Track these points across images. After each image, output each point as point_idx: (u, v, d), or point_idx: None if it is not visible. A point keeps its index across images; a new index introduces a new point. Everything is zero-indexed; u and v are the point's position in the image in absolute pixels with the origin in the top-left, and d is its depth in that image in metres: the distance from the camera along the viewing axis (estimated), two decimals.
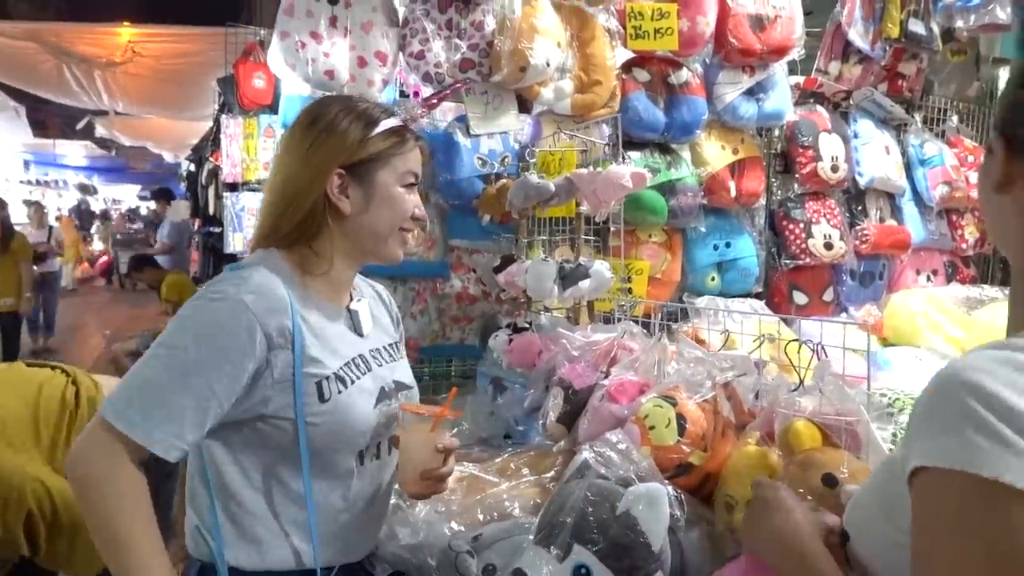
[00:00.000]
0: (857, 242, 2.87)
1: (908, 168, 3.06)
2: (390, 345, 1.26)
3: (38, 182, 16.35)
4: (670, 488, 1.23)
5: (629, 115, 2.48)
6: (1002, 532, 0.55)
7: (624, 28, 2.48)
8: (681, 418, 1.34)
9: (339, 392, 1.10)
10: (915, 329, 2.43)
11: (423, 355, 2.43)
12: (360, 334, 1.19)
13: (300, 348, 1.06)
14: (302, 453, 1.07)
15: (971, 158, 3.15)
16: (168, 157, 12.86)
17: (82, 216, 16.95)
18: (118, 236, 15.31)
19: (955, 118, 3.30)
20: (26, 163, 15.26)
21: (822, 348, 1.33)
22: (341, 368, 1.11)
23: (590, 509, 1.16)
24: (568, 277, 1.91)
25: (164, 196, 9.43)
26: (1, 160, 14.12)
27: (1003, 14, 2.94)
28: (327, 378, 1.09)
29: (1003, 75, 3.37)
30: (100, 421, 1.01)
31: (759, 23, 2.60)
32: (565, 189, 1.99)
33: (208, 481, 1.10)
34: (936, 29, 2.98)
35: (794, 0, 2.68)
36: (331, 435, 1.09)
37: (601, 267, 1.98)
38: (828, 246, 2.76)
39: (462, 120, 2.37)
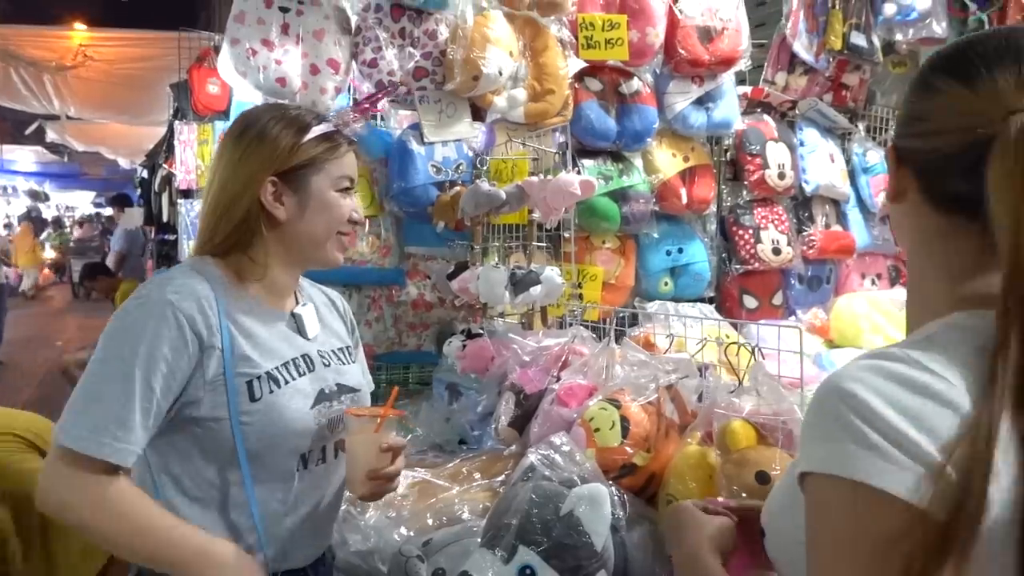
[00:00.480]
0: (804, 247, 2.95)
1: (852, 176, 3.16)
2: (340, 349, 1.26)
3: None
4: (613, 488, 1.27)
5: (582, 123, 2.53)
6: (872, 533, 0.59)
7: (576, 38, 2.52)
8: (625, 420, 1.37)
9: (271, 392, 1.10)
10: (858, 331, 2.52)
11: (379, 362, 2.42)
12: (305, 337, 1.20)
13: (229, 346, 1.07)
14: (239, 453, 1.07)
15: None
16: (123, 163, 12.55)
17: (34, 223, 16.45)
18: (71, 244, 14.91)
19: None
20: None
21: (759, 350, 1.37)
22: (275, 368, 1.12)
23: (534, 511, 1.18)
24: (519, 283, 1.94)
25: (120, 203, 9.20)
26: None
27: (939, 28, 3.07)
28: (258, 377, 1.09)
29: None
30: (55, 448, 1.02)
31: (707, 35, 2.67)
32: (516, 197, 2.02)
33: (150, 489, 1.09)
34: (877, 42, 3.09)
35: (740, 13, 2.75)
36: (265, 435, 1.09)
37: (552, 273, 2.01)
38: (776, 251, 2.84)
39: (416, 128, 2.38)
